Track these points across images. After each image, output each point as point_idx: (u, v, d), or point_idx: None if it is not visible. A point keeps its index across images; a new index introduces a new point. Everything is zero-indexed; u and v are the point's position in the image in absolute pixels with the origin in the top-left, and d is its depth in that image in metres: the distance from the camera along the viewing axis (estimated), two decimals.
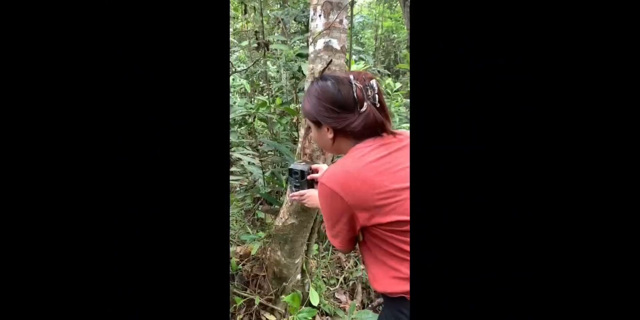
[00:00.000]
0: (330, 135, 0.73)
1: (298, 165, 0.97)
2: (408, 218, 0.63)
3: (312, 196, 0.93)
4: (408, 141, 0.71)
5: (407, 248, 0.64)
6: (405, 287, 0.66)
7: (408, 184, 0.64)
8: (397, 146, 0.69)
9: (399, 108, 2.26)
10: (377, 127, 0.69)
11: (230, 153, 1.59)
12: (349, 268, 1.72)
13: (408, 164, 0.67)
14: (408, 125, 2.53)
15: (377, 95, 0.69)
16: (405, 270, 0.66)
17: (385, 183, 0.64)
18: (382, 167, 0.65)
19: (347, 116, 0.69)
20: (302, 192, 0.95)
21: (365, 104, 0.68)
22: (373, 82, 0.69)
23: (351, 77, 0.69)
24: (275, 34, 2.25)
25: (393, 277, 0.67)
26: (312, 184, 0.96)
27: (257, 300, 1.29)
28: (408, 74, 4.10)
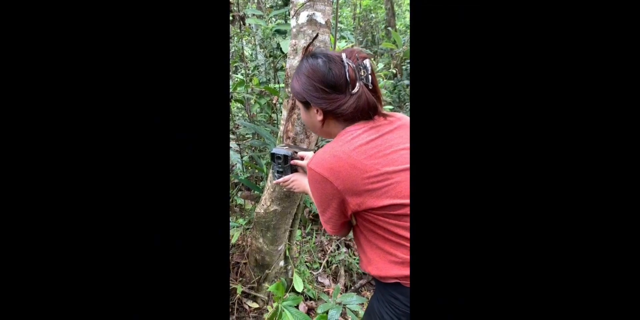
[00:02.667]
0: (320, 117, 0.68)
1: (281, 150, 0.91)
2: (401, 201, 0.60)
3: (298, 180, 0.89)
4: (399, 123, 0.68)
5: (401, 232, 0.62)
6: (400, 271, 0.64)
7: (400, 167, 0.61)
8: (388, 128, 0.66)
9: (381, 89, 2.21)
10: (369, 110, 0.65)
11: None
12: (331, 252, 1.72)
13: (400, 146, 0.64)
14: (390, 107, 2.50)
15: (369, 76, 0.65)
16: (401, 254, 0.63)
17: (376, 166, 0.61)
18: (373, 150, 0.62)
19: (337, 97, 0.64)
20: (287, 177, 0.90)
21: (357, 84, 0.64)
22: (366, 61, 0.65)
23: (343, 55, 0.65)
24: (249, 9, 2.10)
25: (389, 262, 0.65)
26: (295, 169, 0.91)
27: (239, 289, 1.26)
28: (386, 55, 4.04)
